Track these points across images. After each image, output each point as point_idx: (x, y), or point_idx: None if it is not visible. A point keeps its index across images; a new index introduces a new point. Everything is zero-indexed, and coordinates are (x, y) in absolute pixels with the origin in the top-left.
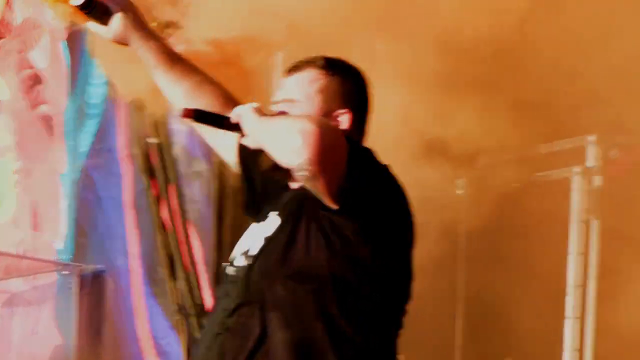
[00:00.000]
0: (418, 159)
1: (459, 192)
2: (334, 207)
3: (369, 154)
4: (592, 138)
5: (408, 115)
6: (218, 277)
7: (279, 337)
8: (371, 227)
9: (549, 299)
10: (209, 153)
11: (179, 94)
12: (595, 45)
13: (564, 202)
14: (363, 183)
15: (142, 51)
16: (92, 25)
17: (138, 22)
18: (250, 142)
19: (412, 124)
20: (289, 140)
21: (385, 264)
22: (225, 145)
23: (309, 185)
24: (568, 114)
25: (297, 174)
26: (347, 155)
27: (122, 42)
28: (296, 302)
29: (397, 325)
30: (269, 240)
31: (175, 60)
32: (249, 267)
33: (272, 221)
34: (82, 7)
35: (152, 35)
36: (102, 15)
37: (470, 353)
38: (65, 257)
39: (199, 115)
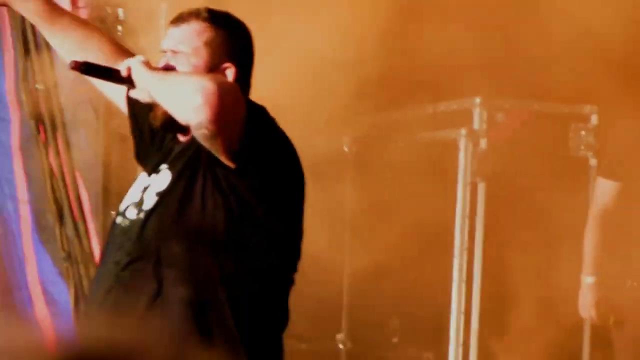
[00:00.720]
0: (309, 113)
1: (345, 149)
2: (231, 165)
3: (264, 113)
4: (478, 100)
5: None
6: (106, 227)
7: (175, 294)
8: (266, 186)
9: (436, 261)
10: (95, 100)
11: (65, 47)
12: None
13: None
14: (260, 143)
15: (23, 10)
16: None
17: None
18: (141, 95)
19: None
20: (187, 98)
21: (279, 223)
22: (116, 95)
23: (206, 144)
24: (457, 75)
25: (195, 132)
26: (245, 114)
27: (2, 4)
28: (193, 260)
29: (289, 282)
30: (162, 196)
31: (57, 15)
32: (143, 223)
33: (164, 175)
34: None
35: None
36: None
37: (357, 313)
38: None
39: (88, 68)
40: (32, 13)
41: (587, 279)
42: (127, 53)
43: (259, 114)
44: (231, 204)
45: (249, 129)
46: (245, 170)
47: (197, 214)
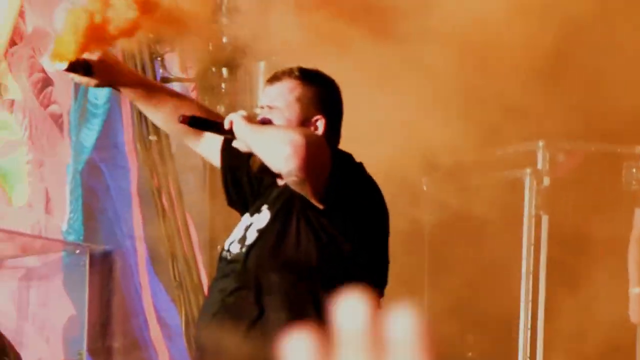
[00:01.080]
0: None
1: (424, 188)
2: (320, 207)
3: (349, 159)
4: (541, 143)
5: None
6: (212, 260)
7: (274, 317)
8: (352, 224)
9: (504, 286)
10: None
11: (159, 117)
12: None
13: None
14: (344, 187)
15: (122, 91)
16: (78, 79)
17: (114, 68)
18: (241, 146)
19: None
20: (279, 149)
21: (365, 255)
22: (210, 152)
23: (297, 189)
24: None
25: (286, 179)
26: (330, 162)
27: (104, 86)
28: (289, 288)
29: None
30: (262, 232)
31: (152, 92)
32: (245, 256)
33: (264, 214)
34: (67, 70)
35: (128, 74)
36: (85, 70)
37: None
38: (71, 238)
39: (194, 121)
40: (130, 91)
41: (635, 290)
42: (216, 115)
43: (345, 160)
44: (322, 241)
45: (335, 175)
46: (333, 211)
47: (292, 249)
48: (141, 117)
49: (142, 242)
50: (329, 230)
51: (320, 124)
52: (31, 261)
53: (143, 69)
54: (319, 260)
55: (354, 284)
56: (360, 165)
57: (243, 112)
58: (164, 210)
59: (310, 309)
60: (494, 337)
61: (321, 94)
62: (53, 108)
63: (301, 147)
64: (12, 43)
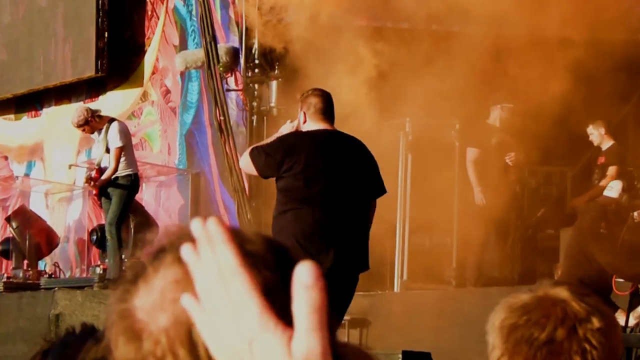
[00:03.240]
0: None
1: None
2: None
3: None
4: None
5: None
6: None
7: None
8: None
9: None
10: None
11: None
12: None
13: None
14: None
15: None
16: None
17: None
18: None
19: None
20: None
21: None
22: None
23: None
24: None
25: None
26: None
27: None
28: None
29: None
30: None
31: None
32: None
33: None
34: None
35: None
36: None
37: None
38: (180, 166)
39: None
40: None
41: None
42: None
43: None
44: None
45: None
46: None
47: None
48: (215, 107)
49: (215, 167)
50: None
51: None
52: (162, 179)
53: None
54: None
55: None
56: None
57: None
58: (225, 152)
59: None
60: None
61: None
62: (171, 104)
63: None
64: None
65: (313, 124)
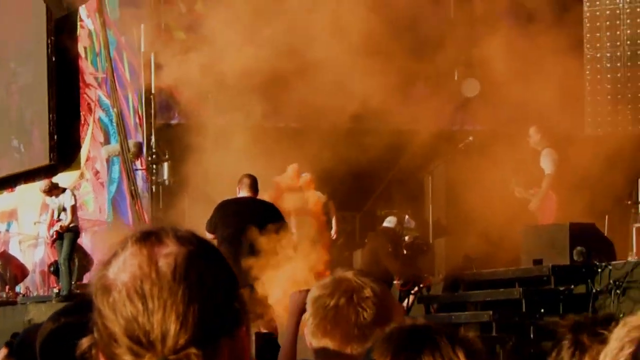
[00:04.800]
0: None
1: None
2: None
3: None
4: None
5: None
6: None
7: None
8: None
9: None
10: None
11: None
12: None
13: None
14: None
15: None
16: None
17: None
18: None
19: None
20: None
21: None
22: None
23: None
24: None
25: None
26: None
27: None
28: None
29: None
30: None
31: None
32: None
33: None
34: None
35: None
36: None
37: None
38: (109, 219)
39: None
40: None
41: None
42: None
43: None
44: None
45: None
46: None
47: None
48: (128, 181)
49: (131, 219)
50: None
51: None
52: (96, 229)
53: None
54: None
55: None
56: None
57: None
58: (136, 209)
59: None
60: None
61: None
62: (100, 180)
63: None
64: None
65: (241, 193)
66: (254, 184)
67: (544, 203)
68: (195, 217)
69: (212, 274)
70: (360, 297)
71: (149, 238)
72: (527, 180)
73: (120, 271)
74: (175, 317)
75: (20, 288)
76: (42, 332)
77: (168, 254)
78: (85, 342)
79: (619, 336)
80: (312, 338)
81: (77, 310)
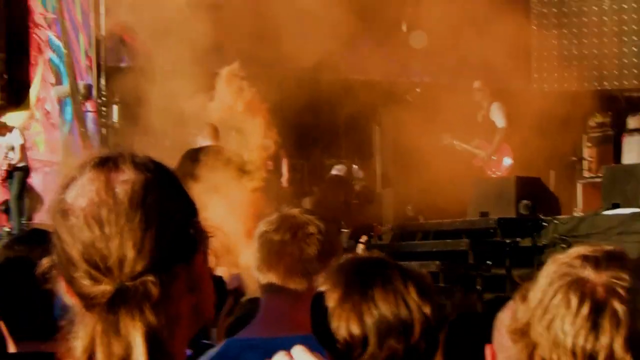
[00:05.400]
0: None
1: None
2: None
3: None
4: None
5: None
6: None
7: None
8: None
9: None
10: None
11: None
12: None
13: None
14: None
15: None
16: None
17: None
18: None
19: None
20: None
21: None
22: None
23: None
24: None
25: None
26: None
27: None
28: None
29: None
30: None
31: None
32: None
33: None
34: None
35: None
36: None
37: None
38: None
39: None
40: None
41: None
42: None
43: None
44: None
45: None
46: None
47: None
48: (79, 122)
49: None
50: None
51: None
52: (46, 169)
53: None
54: None
55: None
56: None
57: None
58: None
59: None
60: None
61: None
62: (52, 121)
63: None
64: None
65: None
66: (216, 133)
67: (498, 155)
68: None
69: (169, 200)
70: (305, 232)
71: (106, 164)
72: (464, 134)
73: (78, 196)
74: (132, 244)
75: None
76: None
77: (125, 180)
78: (45, 263)
79: (548, 272)
80: (257, 272)
81: (31, 239)
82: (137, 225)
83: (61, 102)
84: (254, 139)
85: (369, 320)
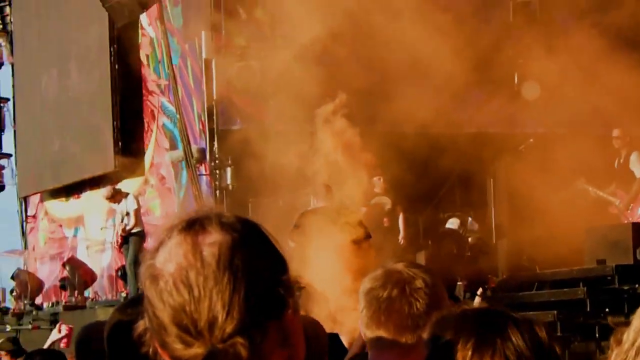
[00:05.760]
0: None
1: None
2: None
3: None
4: None
5: None
6: None
7: None
8: None
9: None
10: None
11: None
12: None
13: None
14: None
15: None
16: None
17: None
18: None
19: None
20: None
21: None
22: None
23: None
24: None
25: None
26: None
27: None
28: None
29: None
30: None
31: None
32: None
33: None
34: None
35: None
36: None
37: None
38: None
39: None
40: None
41: None
42: None
43: None
44: None
45: None
46: None
47: None
48: (193, 185)
49: None
50: None
51: None
52: None
53: None
54: None
55: None
56: None
57: None
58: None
59: None
60: None
61: None
62: (167, 185)
63: None
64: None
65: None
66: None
67: (635, 205)
68: (260, 220)
69: (257, 259)
70: (412, 288)
71: (193, 226)
72: (596, 180)
73: (167, 261)
74: (221, 306)
75: (89, 293)
76: (110, 323)
77: (212, 242)
78: (141, 325)
79: None
80: (365, 329)
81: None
82: (225, 286)
83: (177, 167)
84: (357, 192)
85: None
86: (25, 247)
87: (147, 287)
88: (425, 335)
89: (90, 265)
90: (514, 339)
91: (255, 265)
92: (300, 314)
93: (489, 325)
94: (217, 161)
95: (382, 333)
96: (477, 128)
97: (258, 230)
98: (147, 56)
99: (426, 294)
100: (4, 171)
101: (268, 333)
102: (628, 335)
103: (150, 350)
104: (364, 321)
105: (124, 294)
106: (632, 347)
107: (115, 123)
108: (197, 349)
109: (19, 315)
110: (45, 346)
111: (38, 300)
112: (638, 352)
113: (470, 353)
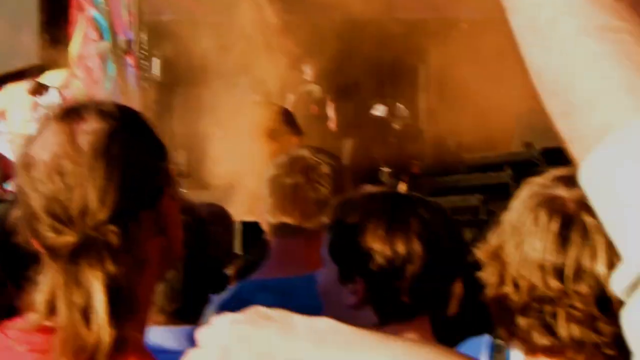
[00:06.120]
0: None
1: None
2: None
3: None
4: None
5: None
6: None
7: None
8: None
9: None
10: None
11: None
12: None
13: None
14: None
15: None
16: None
17: None
18: None
19: None
20: None
21: None
22: None
23: None
24: None
25: None
26: None
27: None
28: None
29: None
30: None
31: None
32: None
33: None
34: None
35: None
36: None
37: None
38: None
39: None
40: None
41: None
42: None
43: None
44: None
45: None
46: None
47: None
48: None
49: None
50: None
51: None
52: None
53: None
54: None
55: None
56: None
57: None
58: None
59: None
60: None
61: None
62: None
63: None
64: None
65: None
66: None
67: None
68: (187, 114)
69: (134, 148)
70: (318, 173)
71: (70, 115)
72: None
73: (42, 149)
74: (94, 194)
75: (10, 186)
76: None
77: (89, 130)
78: (14, 215)
79: (521, 195)
80: (270, 217)
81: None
82: (99, 175)
83: (103, 58)
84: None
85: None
86: None
87: (20, 175)
88: (326, 219)
89: (12, 159)
90: (427, 217)
91: (132, 154)
92: (179, 202)
93: (399, 206)
94: (144, 52)
95: (286, 219)
96: (408, 13)
97: (137, 118)
98: None
99: (332, 179)
100: None
101: (142, 221)
102: (507, 216)
103: (22, 239)
104: (268, 208)
105: None
106: (510, 226)
107: (40, 15)
108: (69, 237)
109: None
110: None
111: None
112: (516, 231)
113: (383, 233)
